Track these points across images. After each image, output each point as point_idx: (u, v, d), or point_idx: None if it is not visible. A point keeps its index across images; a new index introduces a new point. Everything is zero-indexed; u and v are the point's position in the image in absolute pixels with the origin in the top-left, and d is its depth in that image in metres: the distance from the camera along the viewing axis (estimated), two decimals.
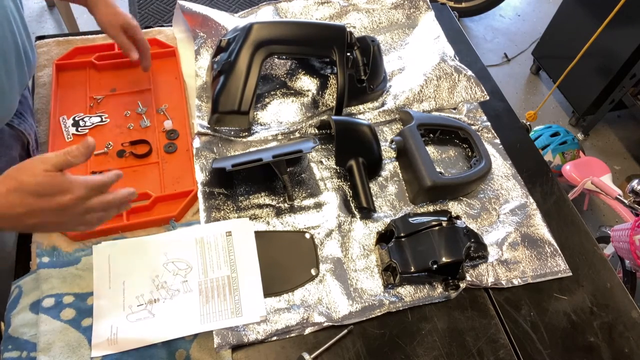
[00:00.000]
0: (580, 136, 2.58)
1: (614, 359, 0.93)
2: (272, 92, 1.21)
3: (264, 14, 1.36)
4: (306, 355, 0.84)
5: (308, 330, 0.89)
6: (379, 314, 0.92)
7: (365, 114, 1.20)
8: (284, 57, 1.23)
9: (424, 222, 0.98)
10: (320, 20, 1.37)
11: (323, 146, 1.14)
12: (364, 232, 1.02)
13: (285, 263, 0.97)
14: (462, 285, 0.95)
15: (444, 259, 0.92)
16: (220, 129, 1.13)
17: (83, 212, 0.66)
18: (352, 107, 1.21)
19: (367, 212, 1.04)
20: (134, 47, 1.05)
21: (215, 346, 0.85)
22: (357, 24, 1.39)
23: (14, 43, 0.83)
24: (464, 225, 0.98)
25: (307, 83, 1.22)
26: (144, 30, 1.31)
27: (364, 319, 0.91)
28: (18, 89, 0.88)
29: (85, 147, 0.67)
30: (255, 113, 1.17)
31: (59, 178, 0.64)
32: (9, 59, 0.83)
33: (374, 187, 1.09)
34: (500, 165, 1.16)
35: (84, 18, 2.69)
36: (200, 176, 1.05)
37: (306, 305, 0.91)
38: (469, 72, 1.27)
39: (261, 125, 1.16)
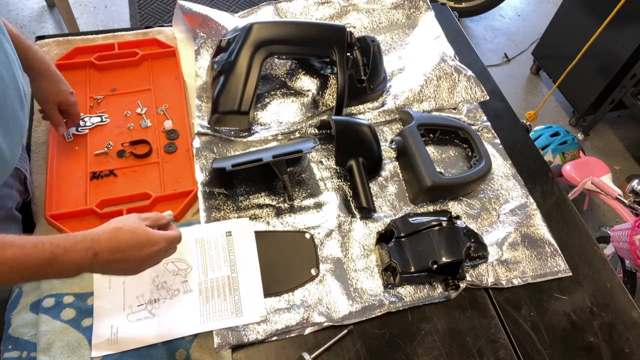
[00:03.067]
0: (580, 136, 2.58)
1: (614, 359, 0.93)
2: (272, 92, 1.21)
3: (264, 14, 1.36)
4: (306, 355, 0.84)
5: (308, 330, 0.89)
6: (379, 314, 0.92)
7: (365, 114, 1.20)
8: (284, 57, 1.23)
9: (424, 222, 0.98)
10: (320, 20, 1.37)
11: (323, 146, 1.14)
12: (364, 232, 1.02)
13: (285, 263, 0.97)
14: (462, 285, 0.95)
15: (444, 259, 0.92)
16: (220, 129, 1.13)
17: (156, 261, 0.78)
18: (352, 107, 1.21)
19: (367, 212, 1.04)
20: (63, 124, 1.04)
21: (215, 346, 0.85)
22: (357, 24, 1.39)
23: (16, 89, 0.83)
24: (464, 225, 0.98)
25: (307, 83, 1.22)
26: (144, 31, 1.31)
27: (364, 319, 0.91)
28: (22, 132, 0.89)
29: (169, 217, 0.84)
30: (255, 113, 1.17)
31: (149, 231, 0.76)
32: (15, 109, 0.82)
33: (374, 187, 1.09)
34: (500, 165, 1.16)
35: (84, 18, 2.70)
36: (200, 176, 1.05)
37: (306, 305, 0.91)
38: (469, 72, 1.27)
39: (261, 125, 1.16)
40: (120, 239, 0.73)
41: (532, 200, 1.11)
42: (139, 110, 1.15)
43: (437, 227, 0.96)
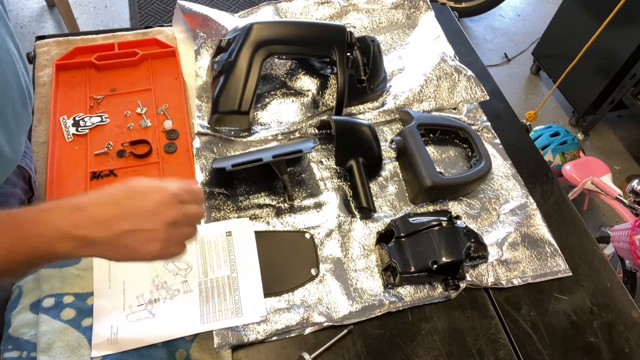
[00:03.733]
0: (580, 136, 2.58)
1: (614, 359, 0.93)
2: (272, 92, 1.21)
3: (264, 14, 1.36)
4: (306, 355, 0.84)
5: (308, 330, 0.89)
6: (379, 314, 0.92)
7: (365, 114, 1.20)
8: (284, 57, 1.23)
9: (424, 222, 0.98)
10: (320, 20, 1.37)
11: (323, 146, 1.14)
12: (364, 232, 1.02)
13: (285, 263, 0.97)
14: (462, 285, 0.95)
15: (444, 259, 0.92)
16: (220, 129, 1.13)
17: (177, 214, 0.60)
18: (352, 107, 1.21)
19: (367, 212, 1.04)
20: None
21: (215, 346, 0.85)
22: (357, 24, 1.39)
23: (19, 87, 0.82)
24: (464, 225, 0.98)
25: (307, 83, 1.22)
26: (144, 31, 1.31)
27: (364, 319, 0.91)
28: (25, 132, 0.88)
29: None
30: (255, 113, 1.17)
31: (155, 182, 0.61)
32: (16, 104, 0.81)
33: (374, 187, 1.09)
34: (500, 165, 1.16)
35: (84, 18, 2.70)
36: (200, 176, 1.05)
37: (306, 305, 0.91)
38: (469, 72, 1.27)
39: (261, 125, 1.16)
40: (113, 190, 0.58)
41: (532, 200, 1.11)
42: (139, 110, 1.15)
43: (437, 227, 0.96)
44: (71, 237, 0.54)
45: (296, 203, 1.04)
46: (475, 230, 1.01)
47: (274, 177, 1.06)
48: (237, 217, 1.01)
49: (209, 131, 1.12)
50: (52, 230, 0.54)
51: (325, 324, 0.90)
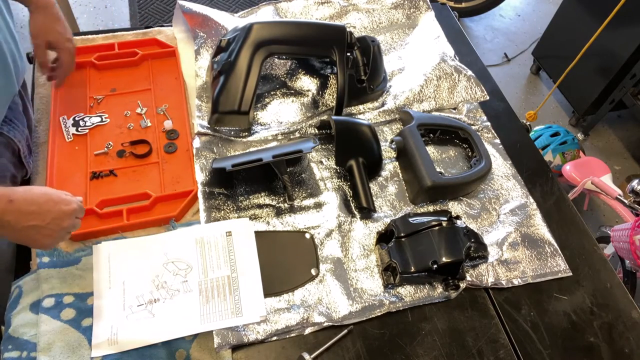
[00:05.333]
0: (580, 136, 2.58)
1: (614, 359, 0.93)
2: (272, 92, 1.21)
3: (264, 14, 1.36)
4: (306, 355, 0.84)
5: (308, 330, 0.89)
6: (379, 314, 0.92)
7: (365, 114, 1.20)
8: (284, 57, 1.23)
9: (424, 222, 0.98)
10: (320, 20, 1.37)
11: (323, 146, 1.14)
12: (364, 232, 1.02)
13: (285, 263, 0.97)
14: (462, 285, 0.95)
15: (444, 259, 0.92)
16: (220, 129, 1.13)
17: (69, 224, 0.78)
18: (352, 107, 1.21)
19: (367, 212, 1.04)
20: (47, 67, 1.03)
21: (215, 346, 0.85)
22: (357, 24, 1.39)
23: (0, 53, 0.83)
24: (464, 225, 0.98)
25: (307, 83, 1.22)
26: (144, 31, 1.31)
27: (364, 319, 0.91)
28: (5, 97, 0.88)
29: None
30: (255, 113, 1.17)
31: (62, 192, 0.78)
32: None
33: (374, 187, 1.09)
34: (500, 165, 1.16)
35: (84, 18, 2.70)
36: (200, 176, 1.05)
37: (306, 305, 0.91)
38: (469, 72, 1.27)
39: (261, 125, 1.16)
40: (36, 193, 0.74)
41: (532, 200, 1.11)
42: (139, 110, 1.15)
43: (437, 227, 0.96)
44: (5, 199, 0.70)
45: (296, 203, 1.04)
46: (475, 230, 1.01)
47: (274, 177, 1.06)
48: (237, 217, 1.01)
49: (209, 131, 1.12)
50: None
51: (325, 324, 0.90)
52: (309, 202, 1.05)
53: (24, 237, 0.75)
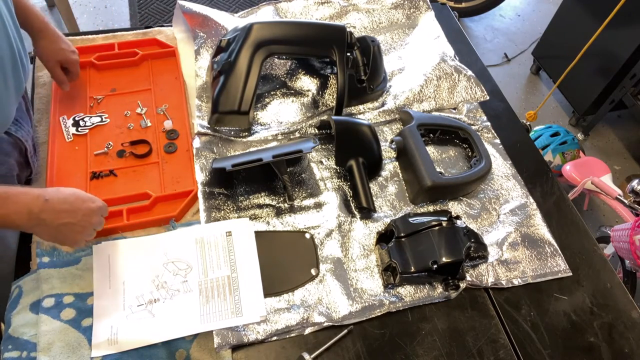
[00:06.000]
0: (580, 136, 2.58)
1: (614, 359, 0.93)
2: (272, 92, 1.21)
3: (264, 14, 1.36)
4: (306, 355, 0.84)
5: (308, 330, 0.89)
6: (379, 314, 0.92)
7: (365, 114, 1.20)
8: (284, 57, 1.23)
9: (424, 222, 0.98)
10: (320, 20, 1.37)
11: (323, 146, 1.14)
12: (364, 232, 1.02)
13: (285, 263, 0.97)
14: (462, 285, 0.95)
15: (444, 259, 0.92)
16: (220, 129, 1.13)
17: (97, 221, 0.85)
18: (352, 107, 1.21)
19: (367, 212, 1.04)
20: (67, 81, 1.09)
21: (215, 346, 0.85)
22: (357, 24, 1.39)
23: (10, 50, 0.83)
24: (464, 225, 0.98)
25: (307, 83, 1.22)
26: (144, 31, 1.31)
27: (364, 319, 0.91)
28: (15, 97, 0.89)
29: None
30: (255, 113, 1.17)
31: (90, 195, 0.85)
32: (5, 67, 0.83)
33: (374, 187, 1.09)
34: (500, 165, 1.16)
35: (84, 18, 2.69)
36: (200, 176, 1.05)
37: (306, 305, 0.91)
38: (469, 72, 1.27)
39: (261, 125, 1.16)
40: (66, 192, 0.81)
41: (532, 200, 1.11)
42: (139, 110, 1.15)
43: (437, 227, 0.96)
44: (34, 216, 0.76)
45: (296, 203, 1.04)
46: (475, 230, 1.01)
47: (274, 177, 1.06)
48: (237, 217, 1.01)
49: (209, 131, 1.12)
50: (24, 207, 0.75)
51: (325, 324, 0.90)
52: (309, 202, 1.05)
53: (58, 234, 0.81)
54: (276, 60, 1.24)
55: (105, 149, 1.08)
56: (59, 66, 1.06)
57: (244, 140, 1.13)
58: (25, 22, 0.99)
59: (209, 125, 1.12)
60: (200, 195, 1.02)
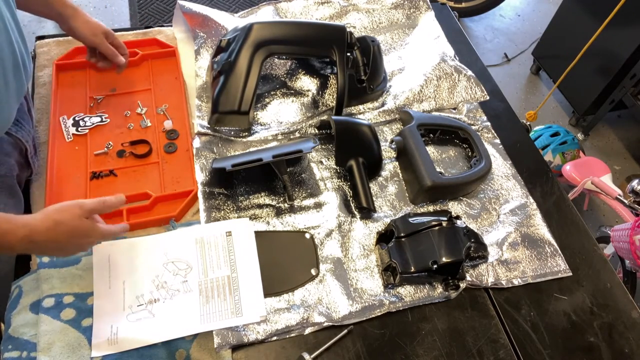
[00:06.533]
0: (580, 136, 2.58)
1: (614, 359, 0.93)
2: (272, 92, 1.21)
3: (264, 14, 1.36)
4: (306, 355, 0.84)
5: (308, 330, 0.89)
6: (379, 314, 0.92)
7: (365, 114, 1.20)
8: (284, 57, 1.23)
9: (424, 222, 0.98)
10: (320, 20, 1.37)
11: (323, 146, 1.14)
12: (364, 232, 1.02)
13: (285, 263, 0.97)
14: (462, 285, 0.95)
15: (444, 259, 0.92)
16: (220, 129, 1.13)
17: (87, 248, 0.84)
18: (352, 107, 1.21)
19: (367, 212, 1.04)
20: (118, 53, 1.08)
21: (215, 346, 0.85)
22: (357, 24, 1.39)
23: (12, 53, 0.83)
24: (464, 225, 0.98)
25: (307, 83, 1.22)
26: (144, 31, 1.31)
27: (364, 319, 0.91)
28: (16, 99, 0.89)
29: (120, 201, 0.84)
30: (255, 113, 1.17)
31: (89, 225, 0.79)
32: (6, 70, 0.83)
33: (374, 187, 1.09)
34: (500, 165, 1.16)
35: None
36: (200, 176, 1.05)
37: (306, 305, 0.91)
38: (469, 72, 1.27)
39: (261, 125, 1.16)
40: (59, 233, 0.75)
41: (532, 200, 1.11)
42: (139, 110, 1.15)
43: (437, 227, 0.96)
44: (18, 251, 0.77)
45: (296, 203, 1.04)
46: (475, 230, 1.01)
47: (274, 177, 1.06)
48: (237, 217, 1.01)
49: (209, 131, 1.12)
50: (7, 247, 0.72)
51: (325, 324, 0.90)
52: (309, 202, 1.05)
53: (44, 254, 0.85)
54: (276, 60, 1.24)
55: (105, 149, 1.08)
56: (104, 40, 1.05)
57: (244, 140, 1.13)
58: (58, 6, 0.99)
59: (209, 125, 1.12)
60: (200, 195, 1.02)
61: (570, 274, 1.01)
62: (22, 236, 0.72)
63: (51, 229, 0.74)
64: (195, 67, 1.23)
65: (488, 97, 1.26)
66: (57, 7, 1.00)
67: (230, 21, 1.28)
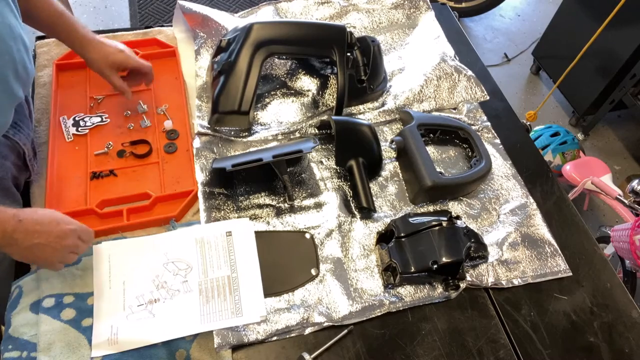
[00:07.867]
0: (580, 136, 2.58)
1: (614, 359, 0.93)
2: (272, 92, 1.21)
3: (264, 14, 1.36)
4: (306, 355, 0.84)
5: (308, 330, 0.89)
6: (379, 314, 0.92)
7: (365, 114, 1.20)
8: (284, 57, 1.23)
9: (424, 222, 0.98)
10: (320, 20, 1.37)
11: (323, 146, 1.14)
12: (364, 232, 1.02)
13: (285, 263, 0.97)
14: (462, 285, 0.95)
15: (444, 259, 0.92)
16: (220, 129, 1.13)
17: (71, 243, 0.82)
18: (352, 107, 1.21)
19: (367, 212, 1.04)
20: (128, 89, 1.07)
21: (215, 346, 0.85)
22: (357, 24, 1.39)
23: (12, 61, 0.83)
24: (464, 225, 0.98)
25: (307, 83, 1.22)
26: (144, 31, 1.31)
27: (364, 319, 0.91)
28: (14, 104, 0.89)
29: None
30: (255, 113, 1.17)
31: (66, 217, 0.83)
32: (7, 77, 0.83)
33: (374, 187, 1.09)
34: (500, 165, 1.16)
35: (84, 18, 2.69)
36: (200, 176, 1.05)
37: (306, 305, 0.91)
38: (469, 72, 1.27)
39: (261, 125, 1.16)
40: (41, 214, 0.80)
41: (532, 200, 1.11)
42: (139, 110, 1.15)
43: (437, 227, 0.96)
44: (7, 235, 0.75)
45: (296, 203, 1.04)
46: (475, 230, 1.01)
47: (274, 177, 1.06)
48: (237, 217, 1.01)
49: (209, 131, 1.12)
50: None
51: (325, 324, 0.90)
52: (309, 202, 1.05)
53: (29, 255, 0.80)
54: (276, 60, 1.24)
55: (106, 149, 1.08)
56: (114, 73, 1.04)
57: (244, 140, 1.13)
58: (67, 40, 1.00)
59: (209, 125, 1.12)
60: (200, 195, 1.02)
61: (570, 274, 1.01)
62: (11, 214, 0.76)
63: (34, 211, 0.80)
64: (195, 67, 1.23)
65: (488, 97, 1.26)
66: (66, 42, 1.00)
67: (230, 21, 1.28)
